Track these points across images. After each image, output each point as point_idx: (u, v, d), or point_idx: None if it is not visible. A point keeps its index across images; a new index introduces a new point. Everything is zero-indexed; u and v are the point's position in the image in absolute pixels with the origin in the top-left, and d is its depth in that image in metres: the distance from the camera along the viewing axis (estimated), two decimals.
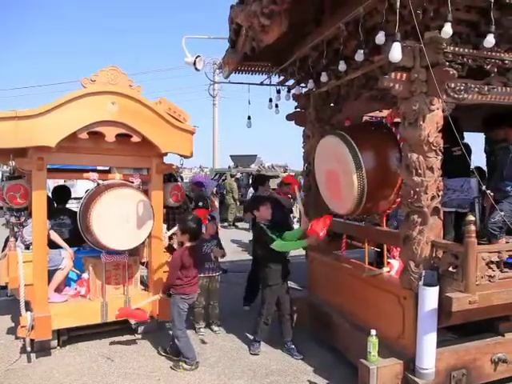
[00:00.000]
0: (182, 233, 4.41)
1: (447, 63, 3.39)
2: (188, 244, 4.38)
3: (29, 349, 4.46)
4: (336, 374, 4.17)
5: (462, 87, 3.49)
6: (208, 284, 5.26)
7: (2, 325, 5.43)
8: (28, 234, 4.64)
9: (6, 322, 5.54)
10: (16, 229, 4.72)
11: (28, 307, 4.55)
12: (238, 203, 15.49)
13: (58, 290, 4.91)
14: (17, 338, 4.80)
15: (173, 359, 4.42)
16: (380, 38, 3.21)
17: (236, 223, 15.47)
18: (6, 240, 5.08)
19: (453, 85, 3.45)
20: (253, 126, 5.61)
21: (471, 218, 3.24)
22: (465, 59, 3.51)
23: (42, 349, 4.59)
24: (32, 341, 4.46)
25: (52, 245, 4.77)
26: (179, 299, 4.31)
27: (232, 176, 16.75)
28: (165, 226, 5.30)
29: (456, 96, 3.48)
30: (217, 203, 9.00)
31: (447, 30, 2.97)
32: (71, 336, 4.82)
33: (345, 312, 4.55)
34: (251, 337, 4.84)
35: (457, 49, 3.47)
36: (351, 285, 4.47)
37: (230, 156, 20.48)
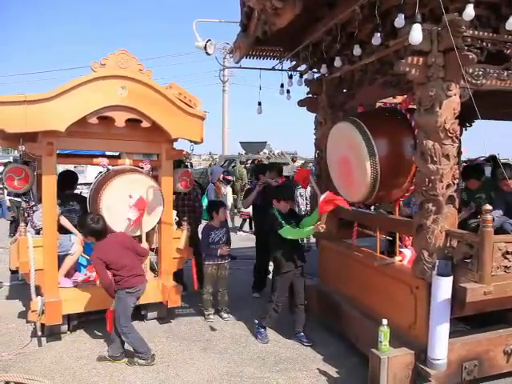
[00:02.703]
0: (85, 236, 4.24)
1: (466, 47, 3.28)
2: (98, 242, 4.13)
3: (39, 333, 4.50)
4: (346, 363, 4.15)
5: (481, 72, 3.38)
6: (216, 271, 5.25)
7: (13, 309, 5.48)
8: (38, 219, 4.65)
9: (17, 306, 5.59)
10: (26, 214, 4.73)
11: (38, 292, 4.57)
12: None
13: (68, 275, 4.92)
14: (28, 322, 4.83)
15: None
16: (399, 20, 3.11)
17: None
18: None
19: (471, 70, 3.34)
20: (263, 112, 5.55)
21: (488, 207, 3.16)
22: (484, 43, 3.40)
23: (52, 333, 4.62)
24: (42, 325, 4.49)
25: (62, 230, 4.76)
26: (125, 294, 4.05)
27: (242, 163, 16.67)
28: (174, 212, 5.28)
29: (474, 81, 3.38)
30: (224, 190, 8.96)
31: (469, 11, 2.87)
32: (81, 321, 4.85)
33: (355, 301, 4.51)
34: (256, 321, 4.80)
35: (476, 32, 3.36)
36: (362, 274, 4.42)
37: (240, 143, 20.45)
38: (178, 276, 5.46)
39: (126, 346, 4.14)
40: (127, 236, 4.39)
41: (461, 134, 4.74)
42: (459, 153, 5.29)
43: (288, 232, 4.44)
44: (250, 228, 11.06)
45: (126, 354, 4.17)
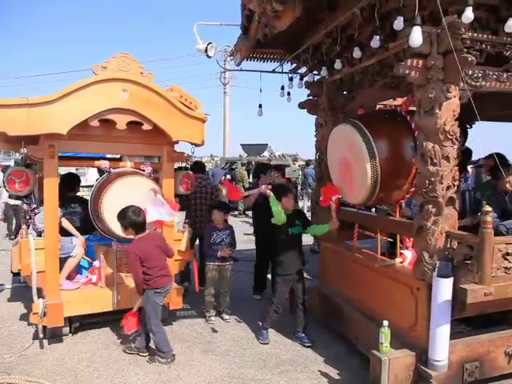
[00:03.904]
0: (125, 228, 4.17)
1: (465, 49, 3.30)
2: (138, 236, 4.16)
3: (41, 335, 4.51)
4: (347, 365, 4.15)
5: (480, 74, 3.40)
6: (218, 273, 5.25)
7: (14, 311, 5.50)
8: (40, 222, 4.67)
9: (19, 308, 5.61)
10: (27, 216, 4.74)
11: (40, 294, 4.58)
12: None
13: (70, 277, 4.93)
14: (29, 324, 4.84)
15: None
16: (398, 23, 3.12)
17: (246, 212, 15.46)
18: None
19: (470, 72, 3.36)
20: (264, 115, 5.56)
21: (488, 208, 3.17)
22: (483, 45, 3.42)
23: (54, 335, 4.63)
24: (44, 327, 4.50)
25: (63, 232, 4.78)
26: (153, 293, 4.11)
27: (243, 165, 16.71)
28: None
29: (473, 83, 3.40)
30: (225, 192, 8.96)
31: (468, 14, 2.89)
32: (83, 323, 4.86)
33: (356, 302, 4.52)
34: (259, 323, 4.80)
35: (475, 34, 3.38)
36: (363, 275, 4.43)
37: (241, 145, 20.48)
38: (186, 276, 5.48)
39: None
40: (161, 236, 4.47)
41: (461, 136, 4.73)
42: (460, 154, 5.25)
43: (312, 230, 4.73)
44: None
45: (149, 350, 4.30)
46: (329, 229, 4.59)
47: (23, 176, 4.56)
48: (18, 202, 8.74)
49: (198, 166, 6.54)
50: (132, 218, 4.10)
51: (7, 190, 4.66)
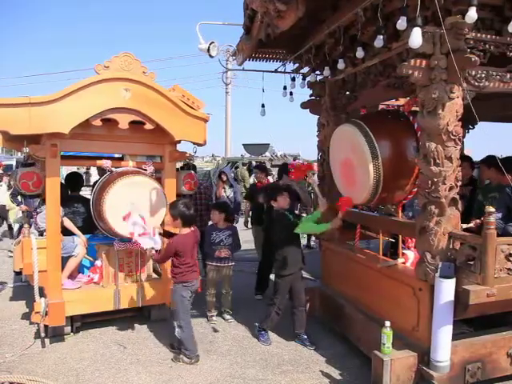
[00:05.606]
0: (173, 218, 4.22)
1: (468, 50, 3.29)
2: (184, 231, 4.22)
3: (43, 334, 4.51)
4: (348, 365, 4.14)
5: (483, 75, 3.39)
6: (217, 273, 5.25)
7: (16, 310, 5.51)
8: (42, 221, 4.67)
9: (21, 307, 5.62)
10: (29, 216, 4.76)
11: (42, 293, 4.58)
12: None
13: (72, 276, 4.93)
14: (31, 323, 4.85)
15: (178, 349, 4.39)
16: (401, 23, 3.11)
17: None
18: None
19: (474, 72, 3.35)
20: (266, 115, 5.55)
21: (491, 209, 3.16)
22: (487, 45, 3.41)
23: (55, 335, 4.63)
24: (46, 327, 4.51)
25: (65, 232, 4.78)
26: (181, 287, 4.19)
27: (244, 165, 16.68)
28: None
29: (477, 84, 3.39)
30: (224, 191, 8.92)
31: (472, 14, 2.88)
32: (84, 323, 4.86)
33: (358, 303, 4.51)
34: (256, 324, 4.81)
35: (479, 35, 3.37)
36: (365, 275, 4.42)
37: (243, 145, 20.44)
38: None
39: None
40: (198, 234, 4.52)
41: (464, 136, 4.72)
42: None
43: (305, 228, 4.52)
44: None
45: None
46: (329, 228, 4.49)
47: (33, 177, 4.57)
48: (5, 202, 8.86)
49: (192, 167, 6.57)
50: (182, 210, 4.15)
51: (21, 193, 4.70)
